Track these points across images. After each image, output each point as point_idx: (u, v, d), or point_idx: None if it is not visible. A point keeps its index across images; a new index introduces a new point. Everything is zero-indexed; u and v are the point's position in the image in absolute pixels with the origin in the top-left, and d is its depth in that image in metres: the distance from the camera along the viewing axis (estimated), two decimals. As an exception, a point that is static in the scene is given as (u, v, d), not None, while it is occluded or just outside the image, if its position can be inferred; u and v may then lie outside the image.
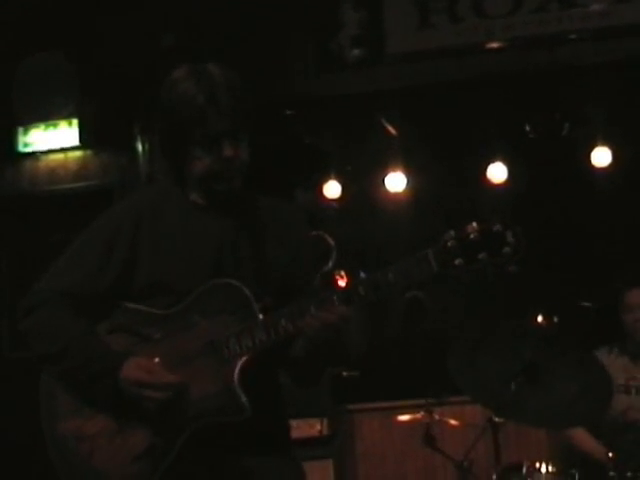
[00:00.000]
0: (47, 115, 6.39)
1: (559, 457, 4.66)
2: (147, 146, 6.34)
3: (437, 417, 5.05)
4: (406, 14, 6.12)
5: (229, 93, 2.39)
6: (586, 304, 5.78)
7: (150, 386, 2.33)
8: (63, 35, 6.18)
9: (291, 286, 2.48)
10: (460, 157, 6.52)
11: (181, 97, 2.41)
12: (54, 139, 6.47)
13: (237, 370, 2.34)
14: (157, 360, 2.39)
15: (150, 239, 2.47)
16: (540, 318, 4.98)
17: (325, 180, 6.78)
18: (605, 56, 6.00)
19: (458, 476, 4.77)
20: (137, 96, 6.01)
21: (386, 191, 6.69)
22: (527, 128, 6.42)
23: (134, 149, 6.35)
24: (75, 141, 6.44)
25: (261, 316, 2.37)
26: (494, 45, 6.03)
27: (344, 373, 5.88)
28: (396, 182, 6.65)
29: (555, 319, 4.99)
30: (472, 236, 2.23)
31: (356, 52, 6.25)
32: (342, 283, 4.77)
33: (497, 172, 6.46)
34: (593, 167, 6.41)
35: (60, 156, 6.53)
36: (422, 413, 5.06)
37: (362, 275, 2.31)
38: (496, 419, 4.40)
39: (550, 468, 4.16)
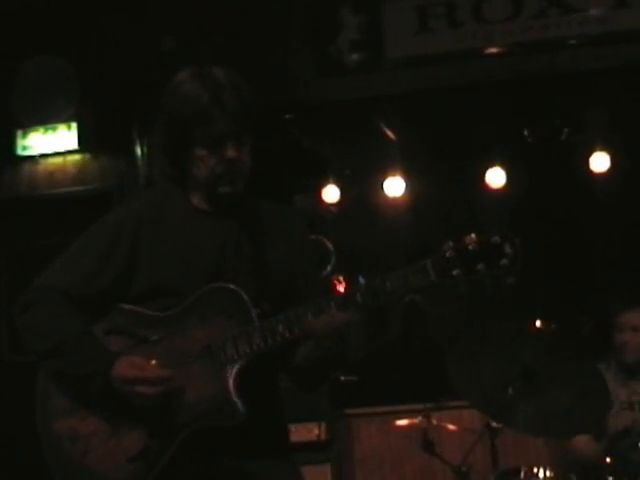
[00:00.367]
0: (46, 118, 6.39)
1: (557, 462, 4.65)
2: (146, 150, 6.34)
3: (435, 422, 5.04)
4: (405, 19, 6.13)
5: (234, 94, 2.41)
6: (583, 319, 5.79)
7: (142, 382, 2.34)
8: (63, 39, 6.18)
9: (291, 290, 2.49)
10: (459, 162, 6.52)
11: (186, 97, 2.42)
12: (53, 142, 6.47)
13: (233, 375, 2.35)
14: (154, 362, 2.39)
15: (150, 242, 2.48)
16: (538, 323, 4.98)
17: (324, 185, 6.77)
18: (604, 61, 6.01)
19: (456, 481, 4.77)
20: (136, 100, 6.02)
21: (385, 196, 6.69)
22: (526, 133, 6.42)
23: (133, 153, 6.36)
24: (74, 145, 6.45)
25: (258, 321, 2.37)
26: (493, 50, 6.04)
27: (342, 378, 5.87)
28: (395, 187, 6.65)
29: (553, 325, 4.98)
30: (470, 247, 2.24)
31: (355, 57, 6.26)
32: (340, 288, 4.78)
33: (496, 177, 6.47)
34: (591, 172, 6.42)
35: (59, 159, 6.53)
36: (420, 418, 5.06)
37: (360, 281, 2.31)
38: (494, 424, 4.40)
39: (548, 473, 4.15)
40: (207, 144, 2.41)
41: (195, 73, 2.46)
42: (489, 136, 6.36)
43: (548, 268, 6.21)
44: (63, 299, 2.45)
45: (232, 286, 2.39)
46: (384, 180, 6.66)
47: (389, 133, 6.55)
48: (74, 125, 6.42)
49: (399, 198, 6.68)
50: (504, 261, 2.22)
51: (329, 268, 6.26)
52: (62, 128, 6.45)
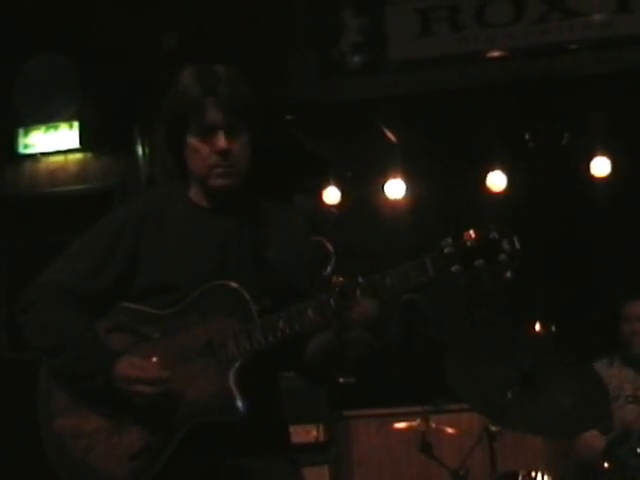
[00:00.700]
0: (48, 117, 6.40)
1: (557, 463, 4.65)
2: (147, 149, 6.35)
3: (433, 425, 5.04)
4: (407, 21, 6.14)
5: (229, 87, 2.43)
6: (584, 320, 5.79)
7: (141, 381, 2.35)
8: (65, 37, 6.19)
9: (292, 288, 2.49)
10: (460, 165, 6.52)
11: (181, 89, 2.47)
12: (54, 141, 6.48)
13: (234, 372, 2.35)
14: (155, 359, 2.40)
15: (153, 241, 2.49)
16: (538, 326, 4.99)
17: (325, 186, 6.77)
18: (605, 66, 6.02)
19: (454, 484, 4.77)
20: (138, 99, 6.03)
21: (385, 198, 6.69)
22: (527, 137, 6.43)
23: (134, 152, 6.36)
24: (75, 143, 6.46)
25: (259, 318, 2.38)
26: (495, 54, 6.05)
27: (340, 379, 5.87)
28: (396, 189, 6.65)
29: (553, 328, 4.99)
30: (469, 243, 2.25)
31: (357, 59, 6.27)
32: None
33: (497, 180, 6.46)
34: (592, 177, 6.42)
35: (60, 158, 6.55)
36: (419, 420, 5.06)
37: (360, 279, 2.32)
38: (492, 427, 4.40)
39: (546, 477, 4.16)
40: (199, 133, 2.44)
41: (195, 69, 2.50)
42: (490, 139, 6.36)
43: (549, 272, 6.21)
44: (65, 297, 2.46)
45: (233, 284, 2.40)
46: (385, 182, 6.66)
47: (390, 135, 6.55)
48: (75, 124, 6.44)
49: (400, 200, 6.68)
50: (502, 257, 2.23)
51: (329, 270, 6.25)
52: (64, 127, 6.46)
